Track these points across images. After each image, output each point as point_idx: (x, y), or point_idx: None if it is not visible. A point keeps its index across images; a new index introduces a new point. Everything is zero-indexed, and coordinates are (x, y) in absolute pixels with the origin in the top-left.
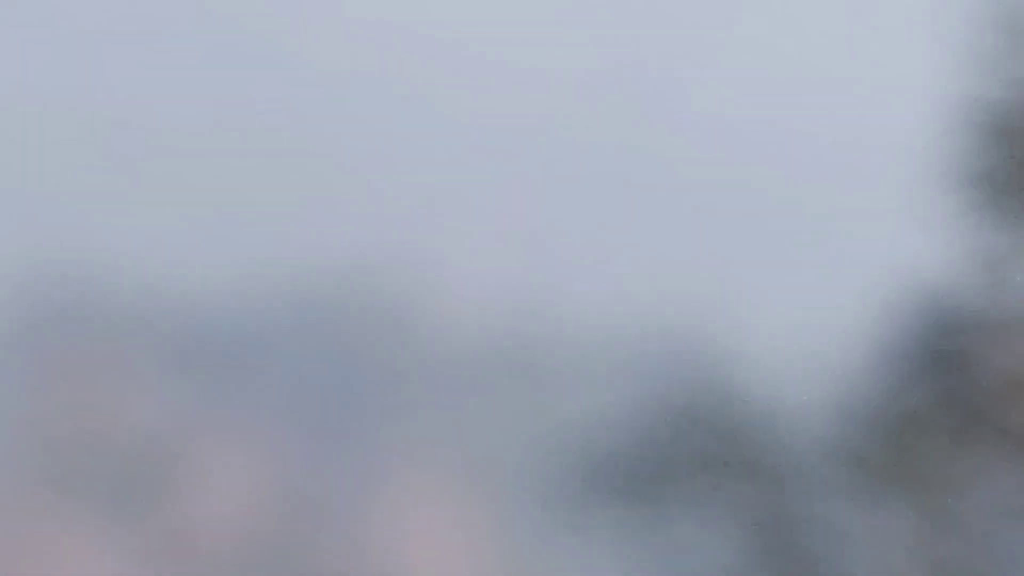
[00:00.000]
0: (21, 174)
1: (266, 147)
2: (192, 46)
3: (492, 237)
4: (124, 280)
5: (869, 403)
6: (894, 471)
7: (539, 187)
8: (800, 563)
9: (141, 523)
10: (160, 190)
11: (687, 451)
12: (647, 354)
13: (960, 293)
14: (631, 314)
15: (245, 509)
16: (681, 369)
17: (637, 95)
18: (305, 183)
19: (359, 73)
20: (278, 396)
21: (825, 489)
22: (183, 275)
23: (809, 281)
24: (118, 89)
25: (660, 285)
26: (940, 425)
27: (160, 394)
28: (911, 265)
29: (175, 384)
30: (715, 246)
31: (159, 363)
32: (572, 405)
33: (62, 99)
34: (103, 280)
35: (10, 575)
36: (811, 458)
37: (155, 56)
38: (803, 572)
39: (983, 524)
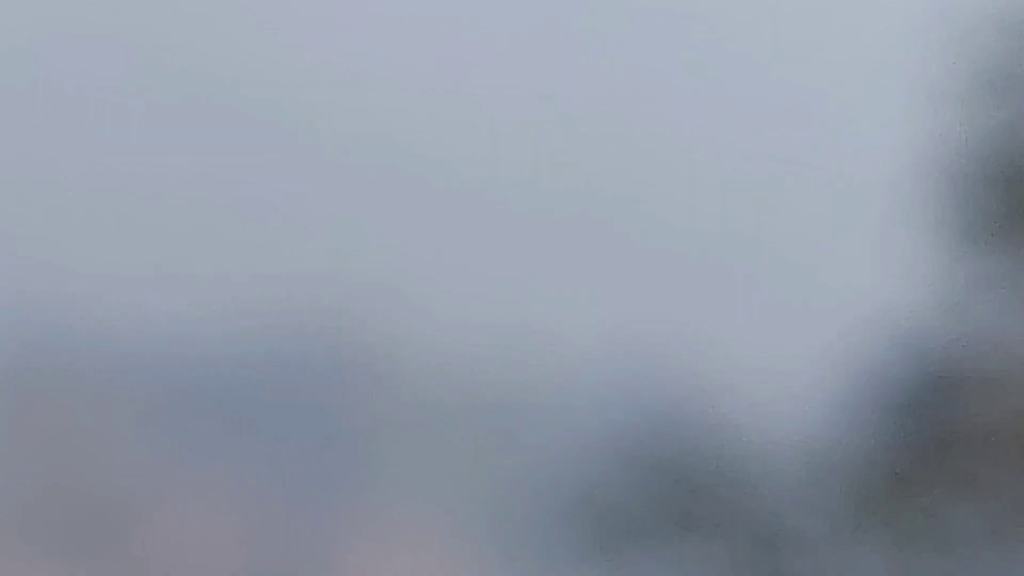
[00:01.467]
0: None
1: (230, 194)
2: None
3: (468, 281)
4: (84, 324)
5: (845, 456)
6: (870, 525)
7: (517, 230)
8: None
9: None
10: (119, 233)
11: (658, 505)
12: (618, 404)
13: (937, 340)
14: (606, 362)
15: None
16: (655, 420)
17: (615, 137)
18: (272, 225)
19: (323, 119)
20: (250, 447)
21: (800, 544)
22: (147, 320)
23: (785, 327)
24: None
25: (638, 333)
26: (916, 476)
27: (124, 445)
28: (886, 310)
29: (139, 435)
30: (689, 291)
31: (122, 413)
32: (541, 453)
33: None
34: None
35: None
36: (785, 513)
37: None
38: None
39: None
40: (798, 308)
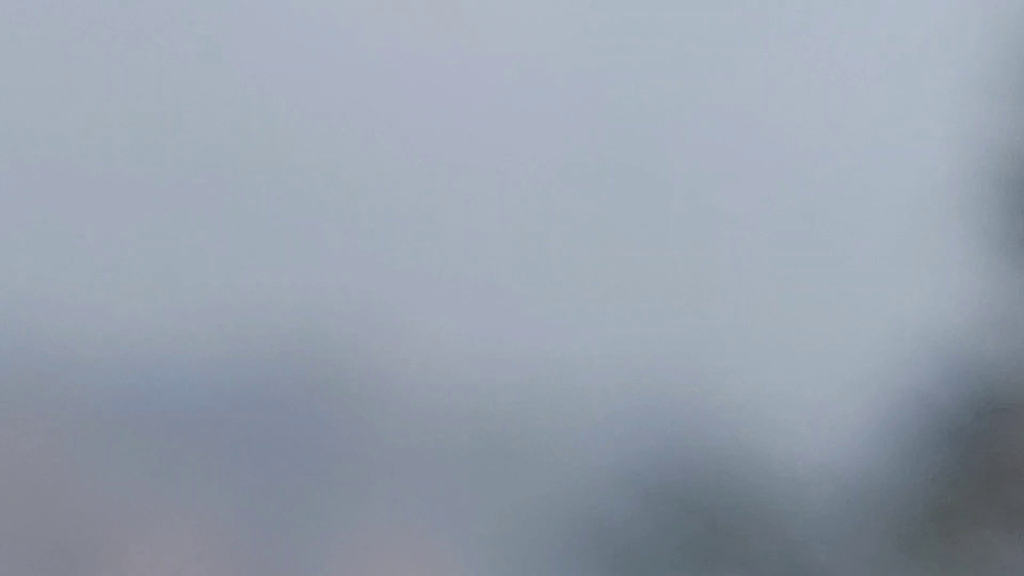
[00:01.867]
0: None
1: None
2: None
3: (473, 308)
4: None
5: (883, 489)
6: (911, 564)
7: (525, 253)
8: None
9: None
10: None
11: (677, 538)
12: (634, 431)
13: (986, 361)
14: (624, 382)
15: None
16: (674, 448)
17: (633, 164)
18: (266, 242)
19: (319, 125)
20: (238, 471)
21: None
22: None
23: (818, 346)
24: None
25: (658, 356)
26: (963, 511)
27: (103, 469)
28: (929, 328)
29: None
30: (713, 307)
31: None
32: (553, 485)
33: None
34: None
35: None
36: (818, 551)
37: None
38: None
39: None
40: (831, 325)
